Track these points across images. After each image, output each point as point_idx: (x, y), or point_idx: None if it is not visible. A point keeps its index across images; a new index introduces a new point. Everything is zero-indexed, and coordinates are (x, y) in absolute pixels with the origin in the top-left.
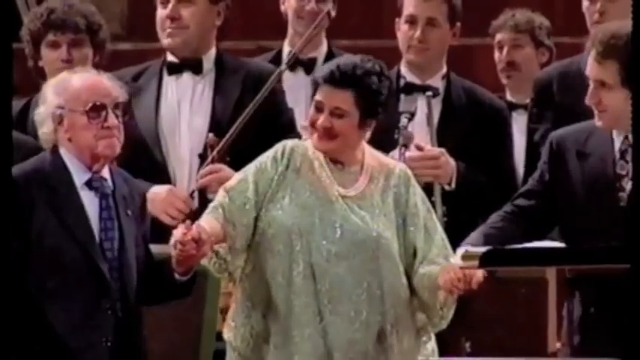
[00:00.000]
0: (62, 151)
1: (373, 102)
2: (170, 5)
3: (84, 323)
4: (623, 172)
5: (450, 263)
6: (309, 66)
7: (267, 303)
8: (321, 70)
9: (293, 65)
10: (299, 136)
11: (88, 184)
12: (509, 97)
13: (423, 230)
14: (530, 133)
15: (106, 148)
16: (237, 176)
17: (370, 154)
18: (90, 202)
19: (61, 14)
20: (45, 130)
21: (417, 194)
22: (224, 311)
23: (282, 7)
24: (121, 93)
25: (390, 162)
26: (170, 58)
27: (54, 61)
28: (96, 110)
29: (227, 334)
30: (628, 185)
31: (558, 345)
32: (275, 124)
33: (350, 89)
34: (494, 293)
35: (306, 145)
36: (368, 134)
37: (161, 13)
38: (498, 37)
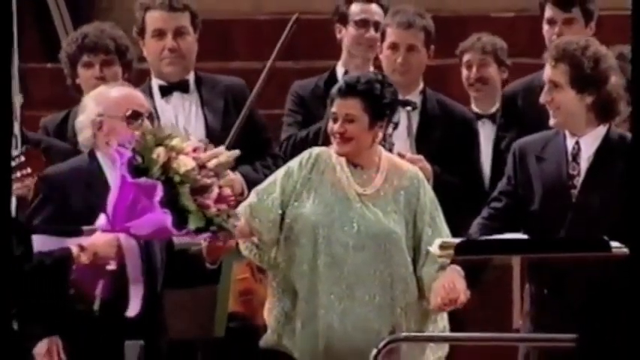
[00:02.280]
0: (99, 154)
1: (378, 106)
2: (168, 39)
3: (116, 302)
4: (575, 173)
5: (437, 286)
6: None
7: (295, 288)
8: (334, 87)
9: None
10: (273, 151)
11: None
12: (474, 108)
13: (430, 227)
14: (498, 141)
15: None
16: (268, 179)
17: (386, 158)
18: None
19: (94, 38)
20: (85, 135)
21: (427, 194)
22: (242, 294)
23: (339, 35)
24: (150, 106)
25: (404, 164)
26: (160, 82)
27: (89, 78)
28: (134, 117)
29: (265, 315)
30: (578, 183)
31: (521, 322)
32: (257, 139)
33: (357, 97)
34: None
35: (331, 151)
36: (380, 135)
37: (157, 45)
38: (467, 57)
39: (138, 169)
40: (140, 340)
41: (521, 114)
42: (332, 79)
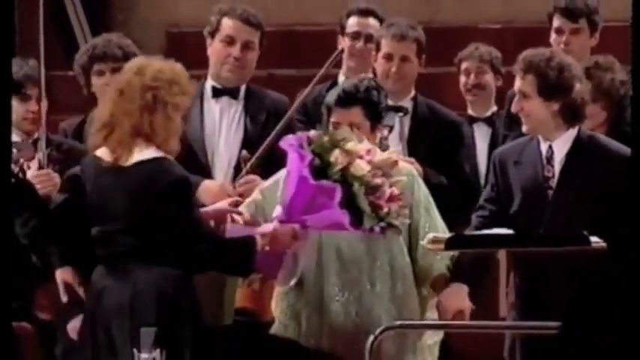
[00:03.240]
0: None
1: (378, 111)
2: (237, 49)
3: None
4: (550, 174)
5: (444, 305)
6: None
7: (302, 281)
8: (330, 95)
9: None
10: None
11: None
12: (470, 111)
13: (425, 218)
14: (499, 140)
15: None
16: (272, 179)
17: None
18: None
19: (102, 48)
20: None
21: (421, 189)
22: (252, 290)
23: (340, 46)
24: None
25: (399, 162)
26: (213, 83)
27: (101, 85)
28: None
29: (272, 307)
30: (554, 184)
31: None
32: None
33: (358, 105)
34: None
35: None
36: (378, 136)
37: (224, 50)
38: (465, 64)
39: (316, 168)
40: (154, 327)
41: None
42: (334, 85)
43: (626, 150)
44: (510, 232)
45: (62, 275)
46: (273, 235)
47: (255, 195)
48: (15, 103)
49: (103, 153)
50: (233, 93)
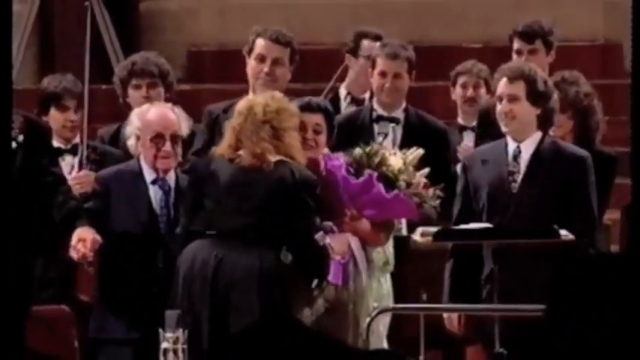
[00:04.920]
0: (141, 158)
1: (333, 121)
2: (267, 64)
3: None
4: (515, 170)
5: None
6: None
7: None
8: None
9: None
10: None
11: (154, 182)
12: (461, 121)
13: None
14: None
15: (161, 165)
16: None
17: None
18: (154, 193)
19: (141, 65)
20: (130, 143)
21: None
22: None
23: (349, 63)
24: (181, 127)
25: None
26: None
27: (137, 98)
28: (157, 138)
29: None
30: (519, 179)
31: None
32: None
33: (321, 113)
34: (445, 257)
35: None
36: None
37: (257, 66)
38: (463, 79)
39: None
40: (178, 310)
41: (495, 124)
42: (335, 98)
43: (582, 152)
44: (490, 226)
45: (81, 231)
46: (333, 245)
47: None
48: (55, 113)
49: None
50: None
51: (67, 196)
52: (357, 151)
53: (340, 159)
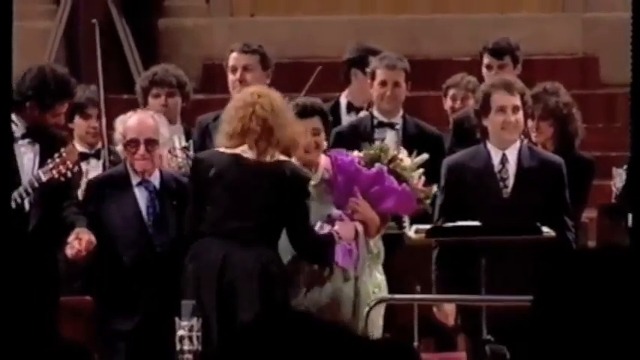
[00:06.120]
0: (127, 162)
1: (328, 122)
2: (239, 73)
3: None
4: (505, 176)
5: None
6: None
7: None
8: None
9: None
10: None
11: (139, 183)
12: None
13: None
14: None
15: (138, 167)
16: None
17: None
18: (140, 193)
19: (161, 75)
20: (118, 148)
21: None
22: None
23: (353, 78)
24: (159, 132)
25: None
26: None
27: (156, 106)
28: (131, 143)
29: None
30: (510, 184)
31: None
32: None
33: (317, 116)
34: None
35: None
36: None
37: (233, 77)
38: (453, 91)
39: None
40: (193, 300)
41: (469, 132)
42: (336, 106)
43: (558, 158)
44: (478, 223)
45: (79, 231)
46: (340, 233)
47: None
48: (79, 121)
49: None
50: None
51: (72, 202)
52: (369, 148)
53: (350, 155)
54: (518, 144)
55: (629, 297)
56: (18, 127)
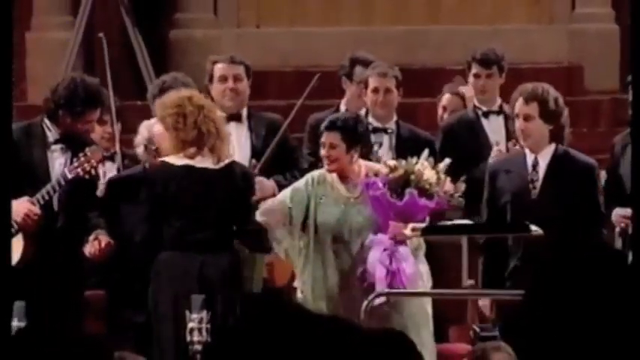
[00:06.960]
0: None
1: (352, 136)
2: (230, 82)
3: None
4: (535, 179)
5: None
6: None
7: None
8: (324, 122)
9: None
10: (300, 166)
11: None
12: None
13: None
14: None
15: None
16: (300, 182)
17: (365, 167)
18: None
19: (170, 83)
20: (139, 151)
21: None
22: (267, 265)
23: (345, 86)
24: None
25: (383, 169)
26: (221, 114)
27: None
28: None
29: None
30: (538, 185)
31: (469, 282)
32: (289, 157)
33: (337, 131)
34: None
35: (324, 171)
36: (356, 156)
37: (221, 86)
38: (447, 99)
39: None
40: (202, 294)
41: (457, 140)
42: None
43: (591, 161)
44: (470, 222)
45: (99, 232)
46: None
47: (283, 198)
48: (95, 127)
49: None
50: (237, 117)
51: (95, 202)
52: (397, 168)
53: (379, 183)
54: (552, 148)
55: (622, 294)
56: (51, 132)
